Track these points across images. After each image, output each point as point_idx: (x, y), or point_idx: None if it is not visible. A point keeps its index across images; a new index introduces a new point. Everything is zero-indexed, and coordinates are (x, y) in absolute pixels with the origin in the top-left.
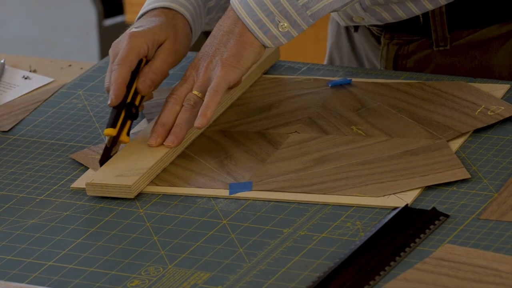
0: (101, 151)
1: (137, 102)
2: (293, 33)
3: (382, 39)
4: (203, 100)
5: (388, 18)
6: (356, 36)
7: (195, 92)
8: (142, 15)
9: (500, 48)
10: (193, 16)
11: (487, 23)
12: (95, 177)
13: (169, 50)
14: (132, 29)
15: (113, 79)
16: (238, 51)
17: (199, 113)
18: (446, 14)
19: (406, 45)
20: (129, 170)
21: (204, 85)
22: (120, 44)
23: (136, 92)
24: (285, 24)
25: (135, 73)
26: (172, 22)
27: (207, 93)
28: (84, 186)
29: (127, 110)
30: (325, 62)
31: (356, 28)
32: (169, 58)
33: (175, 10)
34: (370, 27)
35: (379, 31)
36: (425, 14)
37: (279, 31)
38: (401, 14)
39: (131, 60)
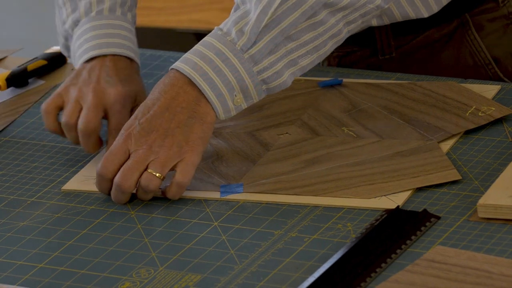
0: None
1: None
2: (243, 106)
3: None
4: (159, 179)
5: None
6: None
7: (155, 173)
8: (95, 56)
9: (444, 48)
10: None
11: (427, 27)
12: (487, 198)
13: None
14: (110, 80)
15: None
16: (204, 132)
17: (173, 191)
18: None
19: (347, 56)
20: None
21: (165, 166)
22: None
23: None
24: (240, 97)
25: None
26: (135, 75)
27: (178, 180)
28: (75, 188)
29: None
30: None
31: None
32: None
33: (132, 60)
34: None
35: None
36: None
37: (234, 104)
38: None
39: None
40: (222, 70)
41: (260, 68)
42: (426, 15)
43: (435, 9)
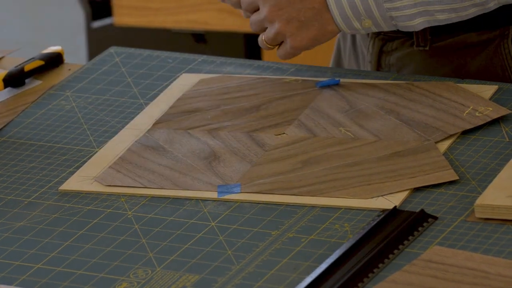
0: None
1: None
2: (373, 30)
3: (370, 33)
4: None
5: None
6: (358, 36)
7: (266, 42)
8: None
9: (477, 55)
10: None
11: (467, 30)
12: (485, 198)
13: None
14: None
15: None
16: (316, 38)
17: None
18: None
19: (391, 42)
20: None
21: (275, 40)
22: None
23: None
24: (369, 22)
25: None
26: None
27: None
28: (73, 188)
29: None
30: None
31: None
32: None
33: None
34: None
35: None
36: None
37: (361, 26)
38: None
39: None
40: None
41: (391, 6)
42: None
43: None
